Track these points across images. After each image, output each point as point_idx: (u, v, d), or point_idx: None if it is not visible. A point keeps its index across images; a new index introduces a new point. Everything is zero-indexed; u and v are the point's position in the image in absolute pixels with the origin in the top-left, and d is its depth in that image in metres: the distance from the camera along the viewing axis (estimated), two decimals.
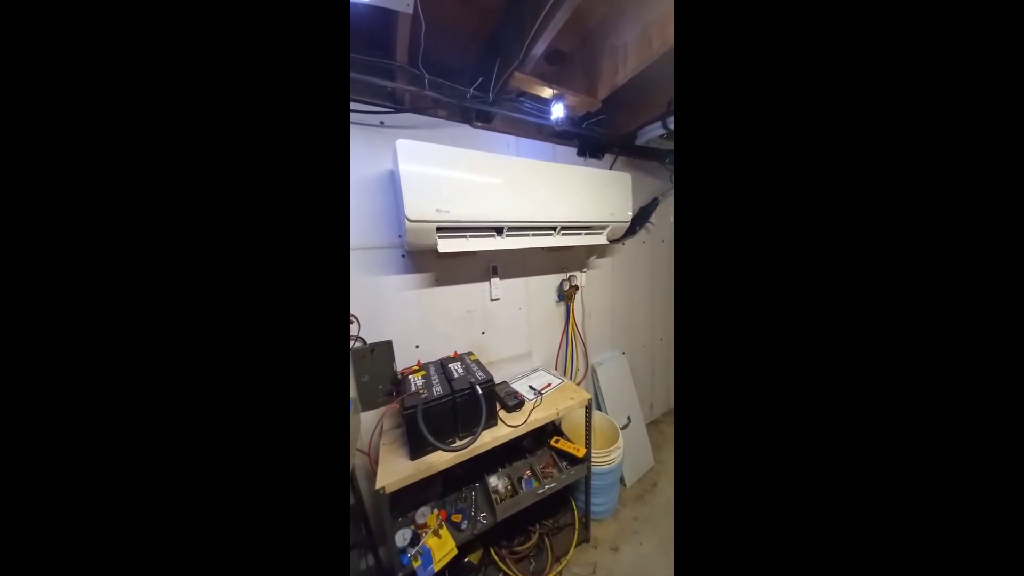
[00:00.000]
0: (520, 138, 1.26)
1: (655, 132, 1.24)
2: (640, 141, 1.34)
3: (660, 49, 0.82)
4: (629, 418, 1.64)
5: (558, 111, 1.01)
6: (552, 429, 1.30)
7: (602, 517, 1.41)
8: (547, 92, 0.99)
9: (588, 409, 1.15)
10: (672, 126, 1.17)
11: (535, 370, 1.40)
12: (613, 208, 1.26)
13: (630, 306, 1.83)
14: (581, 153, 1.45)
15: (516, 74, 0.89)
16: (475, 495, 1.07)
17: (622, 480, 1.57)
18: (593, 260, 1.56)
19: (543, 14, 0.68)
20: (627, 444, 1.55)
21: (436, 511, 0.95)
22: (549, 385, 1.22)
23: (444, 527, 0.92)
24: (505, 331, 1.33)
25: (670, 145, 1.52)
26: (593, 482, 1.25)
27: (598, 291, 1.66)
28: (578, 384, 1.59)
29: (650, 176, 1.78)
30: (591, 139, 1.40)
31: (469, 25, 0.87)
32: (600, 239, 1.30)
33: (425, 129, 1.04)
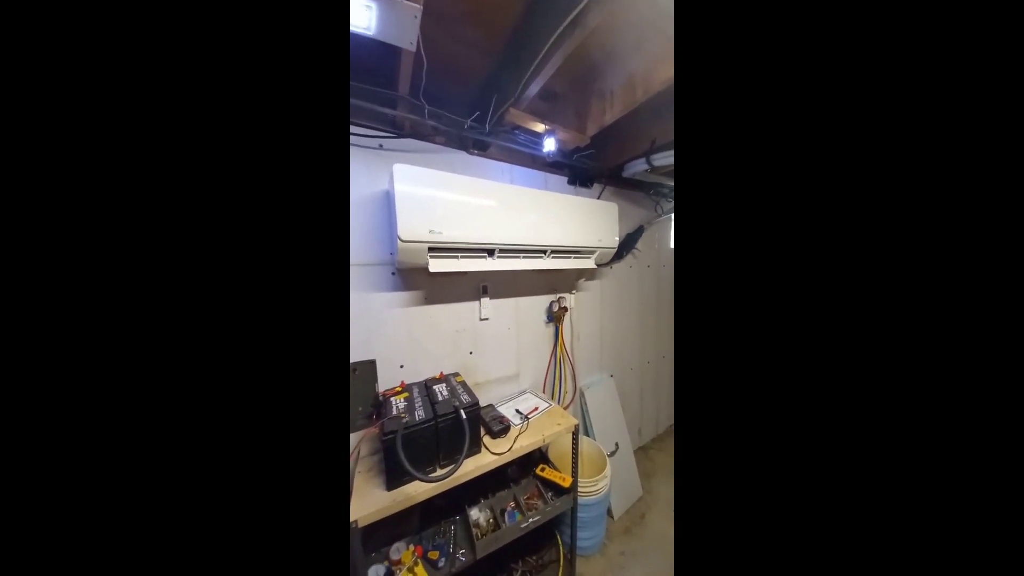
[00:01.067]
0: (514, 166, 1.33)
1: (640, 167, 1.33)
2: (627, 174, 1.43)
3: (643, 96, 0.90)
4: (617, 444, 1.61)
5: (550, 144, 1.07)
6: (539, 456, 1.26)
7: (588, 553, 1.34)
8: (540, 127, 1.06)
9: (575, 435, 1.12)
10: (655, 163, 1.26)
11: (522, 392, 1.37)
12: (600, 234, 1.31)
13: (618, 329, 1.86)
14: (571, 182, 1.53)
15: (511, 110, 0.96)
16: (455, 529, 1.00)
17: (609, 512, 1.51)
18: (582, 283, 1.60)
19: (539, 59, 0.75)
20: (615, 472, 1.51)
21: (412, 547, 0.88)
22: (536, 409, 1.19)
23: (420, 564, 0.85)
24: (493, 351, 1.32)
25: (654, 178, 1.63)
26: (580, 514, 1.19)
27: (587, 313, 1.68)
28: (566, 408, 1.56)
29: (636, 205, 1.88)
30: (581, 170, 1.48)
31: (469, 64, 0.94)
32: (588, 263, 1.34)
33: (423, 154, 1.08)
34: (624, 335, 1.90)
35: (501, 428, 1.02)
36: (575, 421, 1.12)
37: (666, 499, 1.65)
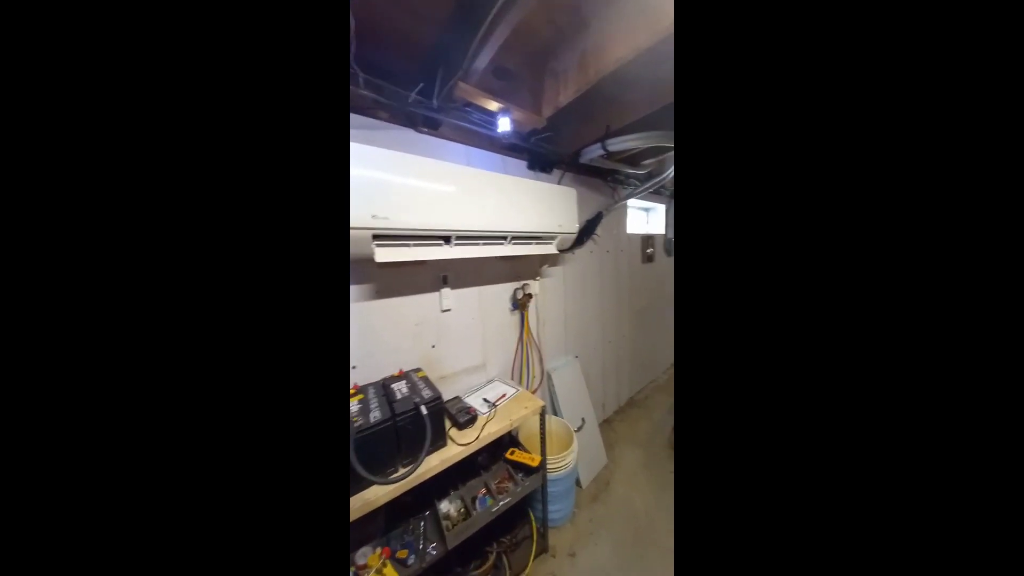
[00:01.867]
0: (471, 148, 1.26)
1: (596, 152, 1.35)
2: (584, 160, 1.44)
3: (596, 76, 0.90)
4: (583, 420, 1.71)
5: (504, 124, 1.03)
6: (508, 440, 1.28)
7: (560, 523, 1.42)
8: (493, 105, 1.01)
9: (542, 416, 1.16)
10: (610, 147, 1.29)
11: (490, 381, 1.37)
12: (561, 220, 1.32)
13: (582, 312, 1.93)
14: (531, 167, 1.51)
15: (460, 84, 0.89)
16: (424, 525, 0.98)
17: (578, 482, 1.61)
18: (546, 269, 1.62)
19: (484, 27, 0.69)
20: (581, 446, 1.60)
21: (379, 549, 0.85)
22: (504, 396, 1.20)
23: (389, 565, 0.82)
24: (458, 343, 1.28)
25: (611, 165, 1.67)
26: (549, 489, 1.25)
27: (552, 299, 1.71)
28: (534, 392, 1.60)
29: (594, 192, 1.93)
30: (540, 154, 1.46)
31: (409, 30, 0.84)
32: (550, 248, 1.35)
33: (365, 130, 0.97)
34: (587, 318, 1.98)
35: (468, 419, 1.01)
36: (541, 403, 1.15)
37: (628, 465, 1.81)
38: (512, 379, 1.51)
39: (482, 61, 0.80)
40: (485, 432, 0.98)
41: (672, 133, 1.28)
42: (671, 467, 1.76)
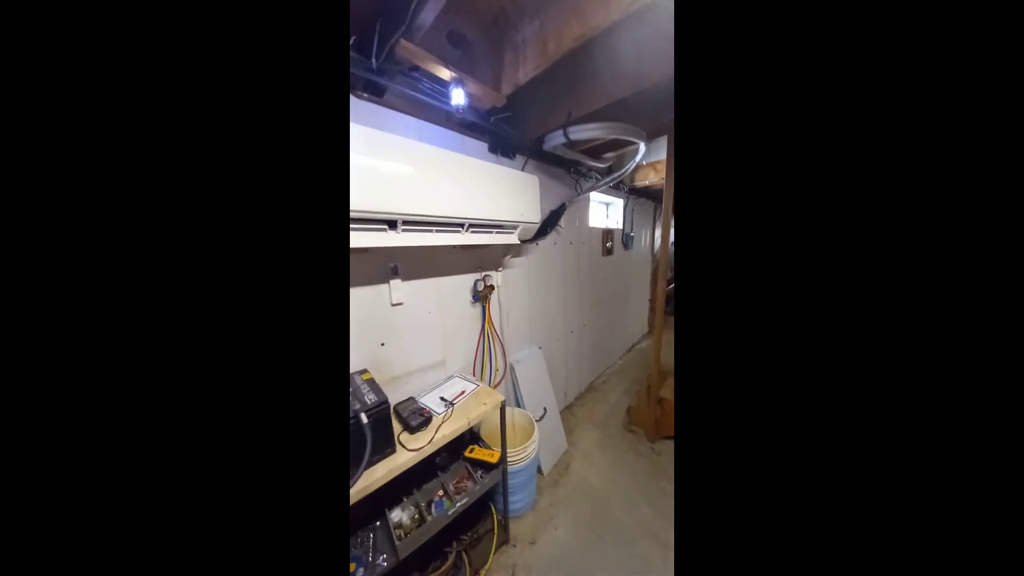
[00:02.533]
0: (424, 123, 1.13)
1: (558, 140, 1.31)
2: (548, 147, 1.40)
3: (556, 52, 0.84)
4: (545, 409, 1.74)
5: (458, 96, 0.93)
6: (469, 438, 1.24)
7: (521, 513, 1.44)
8: (445, 73, 0.90)
9: (502, 411, 1.13)
10: (572, 135, 1.26)
11: (450, 378, 1.30)
12: (523, 209, 1.27)
13: (546, 303, 1.94)
14: (493, 150, 1.42)
15: (404, 43, 0.77)
16: (374, 536, 0.90)
17: (540, 469, 1.65)
18: (509, 260, 1.57)
19: None
20: (543, 434, 1.63)
21: None
22: (463, 393, 1.15)
23: None
24: (412, 340, 1.18)
25: (574, 155, 1.66)
26: (510, 480, 1.25)
27: (515, 289, 1.68)
28: (497, 385, 1.58)
29: (558, 183, 1.91)
30: (503, 137, 1.38)
31: None
32: (512, 238, 1.30)
33: None
34: (551, 309, 2.00)
35: (421, 421, 0.94)
36: (501, 398, 1.12)
37: (585, 446, 1.90)
38: (474, 374, 1.45)
39: (428, 15, 0.69)
40: (440, 434, 0.92)
41: (633, 128, 1.30)
42: (625, 446, 1.90)
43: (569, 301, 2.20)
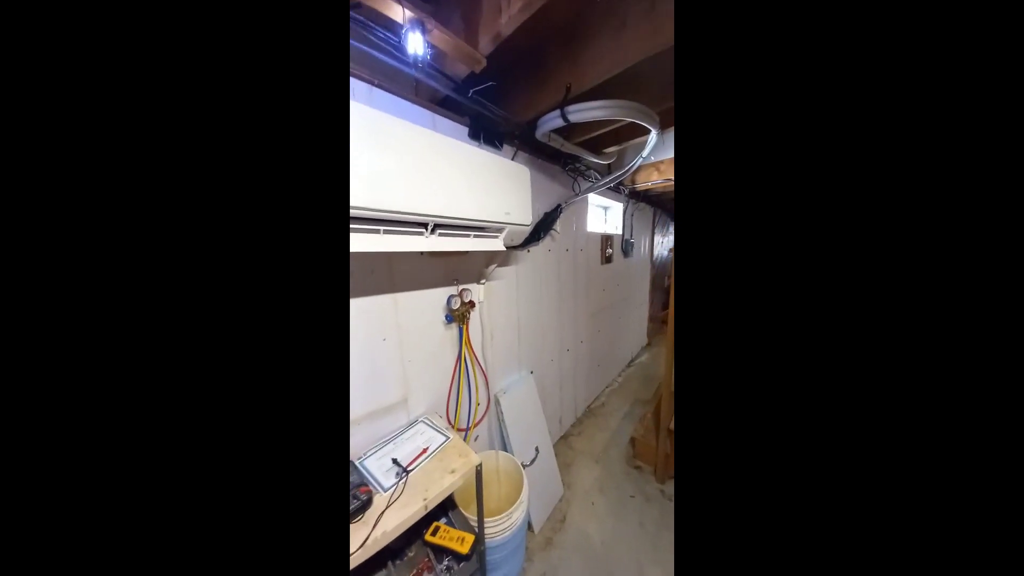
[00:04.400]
0: (384, 94, 0.86)
1: (554, 123, 1.06)
2: (540, 133, 1.15)
3: None
4: (537, 449, 1.45)
5: (416, 43, 0.66)
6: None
7: None
8: (397, 12, 0.64)
9: (478, 477, 0.84)
10: (571, 116, 1.01)
11: (413, 423, 1.00)
12: (510, 206, 1.01)
13: (538, 319, 1.67)
14: (475, 136, 1.16)
15: None
16: None
17: (530, 525, 1.35)
18: (494, 270, 1.29)
19: None
20: (535, 479, 1.34)
21: None
22: (425, 451, 0.85)
23: None
24: (359, 376, 0.89)
25: (572, 149, 1.42)
26: (491, 557, 0.95)
27: (502, 305, 1.41)
28: (478, 423, 1.28)
29: (553, 181, 1.67)
30: (486, 120, 1.12)
31: None
32: (496, 244, 1.03)
33: None
34: (544, 325, 1.73)
35: (357, 506, 0.64)
36: (477, 460, 0.83)
37: (584, 488, 1.62)
38: (447, 414, 1.16)
39: None
40: (380, 530, 0.62)
41: (647, 110, 1.07)
42: (629, 486, 1.63)
43: (565, 316, 1.93)
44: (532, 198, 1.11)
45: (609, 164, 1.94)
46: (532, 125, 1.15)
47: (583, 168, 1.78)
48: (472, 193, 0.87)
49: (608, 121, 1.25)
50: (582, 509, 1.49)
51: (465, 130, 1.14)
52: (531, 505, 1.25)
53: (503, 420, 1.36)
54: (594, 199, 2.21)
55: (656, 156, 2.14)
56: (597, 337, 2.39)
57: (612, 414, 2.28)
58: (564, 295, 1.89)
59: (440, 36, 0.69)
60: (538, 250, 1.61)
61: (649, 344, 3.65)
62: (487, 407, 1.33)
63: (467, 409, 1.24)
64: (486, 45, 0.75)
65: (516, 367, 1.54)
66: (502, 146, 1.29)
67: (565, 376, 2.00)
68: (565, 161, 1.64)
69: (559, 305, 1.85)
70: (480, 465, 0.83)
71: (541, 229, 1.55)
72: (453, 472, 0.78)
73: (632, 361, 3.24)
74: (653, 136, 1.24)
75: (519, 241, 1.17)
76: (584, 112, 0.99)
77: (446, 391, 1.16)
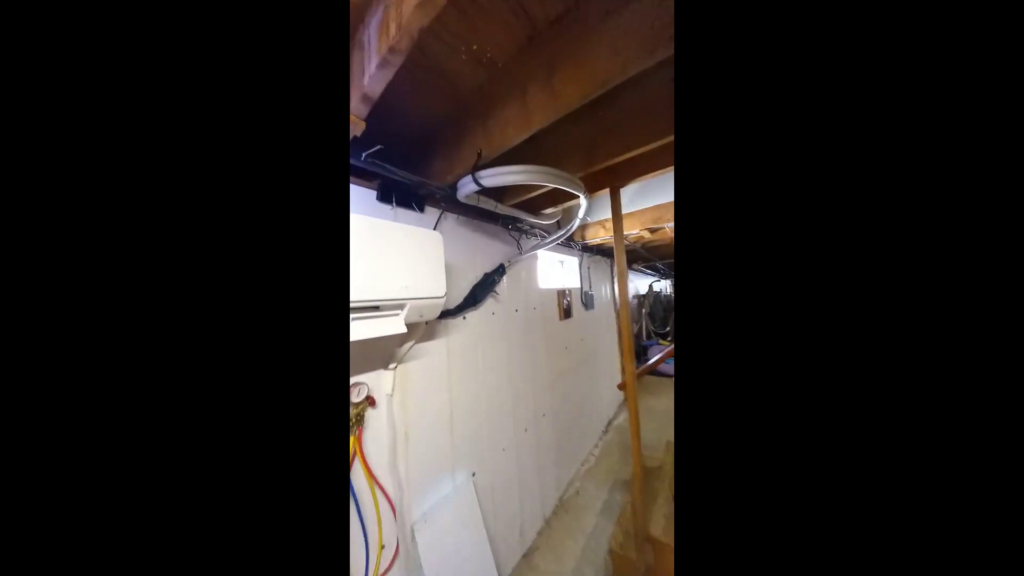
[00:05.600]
0: None
1: (470, 187, 0.96)
2: (462, 196, 1.05)
3: (406, 44, 0.50)
4: None
5: None
6: None
7: None
8: None
9: None
10: (483, 181, 0.92)
11: None
12: (412, 278, 0.82)
13: (479, 400, 1.38)
14: (384, 199, 1.03)
15: None
16: None
17: None
18: (409, 349, 1.05)
19: None
20: None
21: None
22: None
23: None
24: None
25: (508, 211, 1.35)
26: None
27: (426, 391, 1.12)
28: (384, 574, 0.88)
29: (495, 240, 1.57)
30: (397, 184, 1.01)
31: None
32: (394, 326, 0.81)
33: None
34: (489, 405, 1.43)
35: None
36: None
37: None
38: None
39: None
40: None
41: (568, 176, 1.02)
42: None
43: (521, 386, 1.66)
44: (471, 259, 0.96)
45: (558, 221, 1.93)
46: (454, 188, 1.06)
47: (526, 227, 1.72)
48: (354, 268, 0.68)
49: (541, 185, 1.21)
50: None
51: (374, 194, 1.01)
52: None
53: (422, 566, 0.95)
54: (546, 254, 2.16)
55: (596, 216, 2.20)
56: (563, 406, 2.08)
57: (587, 507, 1.86)
58: (516, 363, 1.65)
59: None
60: (479, 315, 1.41)
61: (627, 398, 3.36)
62: (396, 551, 0.94)
63: (363, 559, 0.85)
64: (358, 106, 0.64)
65: (448, 473, 1.18)
66: (423, 209, 1.17)
67: (525, 467, 1.63)
68: (505, 221, 1.57)
69: (510, 376, 1.59)
70: None
71: (479, 292, 1.38)
72: None
73: (610, 424, 2.89)
74: (583, 200, 1.20)
75: (433, 315, 0.97)
76: (498, 177, 0.91)
77: None
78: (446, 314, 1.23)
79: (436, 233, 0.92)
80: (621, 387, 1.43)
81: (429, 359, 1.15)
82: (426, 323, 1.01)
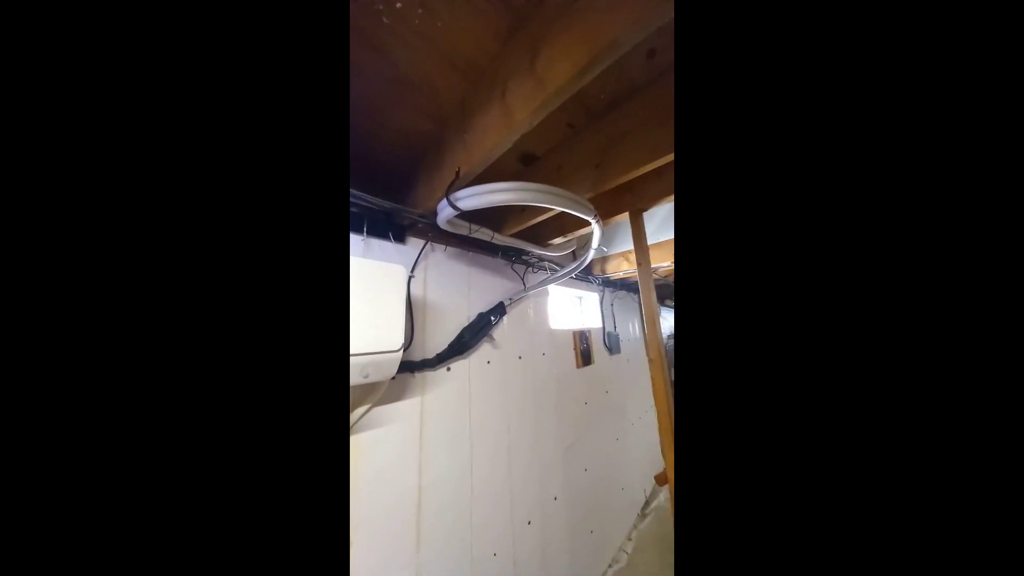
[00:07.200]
0: None
1: (448, 212, 0.78)
2: (442, 223, 0.88)
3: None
4: None
5: None
6: None
7: None
8: None
9: None
10: (460, 203, 0.73)
11: None
12: (353, 326, 0.61)
13: (464, 479, 1.06)
14: (354, 228, 0.89)
15: None
16: None
17: None
18: (364, 414, 0.80)
19: None
20: None
21: None
22: None
23: None
24: None
25: (506, 241, 1.16)
26: None
27: (384, 473, 0.85)
28: None
29: (497, 275, 1.37)
30: (370, 210, 0.87)
31: None
32: None
33: None
34: (476, 489, 1.09)
35: None
36: None
37: None
38: None
39: None
40: None
41: (574, 197, 0.81)
42: None
43: (519, 462, 1.30)
44: (463, 297, 0.75)
45: (573, 252, 1.70)
46: (434, 213, 0.89)
47: (533, 260, 1.51)
48: None
49: (544, 209, 1.01)
50: None
51: None
52: None
53: None
54: (560, 289, 1.89)
55: (617, 247, 1.93)
56: (582, 484, 1.61)
57: None
58: (517, 427, 1.31)
59: None
60: (469, 364, 1.16)
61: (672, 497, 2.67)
62: None
63: None
64: None
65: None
66: (403, 240, 1.01)
67: (522, 551, 1.20)
68: (507, 254, 1.37)
69: (509, 445, 1.25)
70: None
71: (468, 337, 1.14)
72: None
73: (647, 506, 2.25)
74: (595, 226, 0.96)
75: (386, 374, 0.73)
76: (476, 198, 0.72)
77: None
78: (422, 365, 0.99)
79: (397, 267, 0.73)
80: (661, 481, 1.02)
81: (394, 427, 0.89)
82: (391, 379, 0.77)
